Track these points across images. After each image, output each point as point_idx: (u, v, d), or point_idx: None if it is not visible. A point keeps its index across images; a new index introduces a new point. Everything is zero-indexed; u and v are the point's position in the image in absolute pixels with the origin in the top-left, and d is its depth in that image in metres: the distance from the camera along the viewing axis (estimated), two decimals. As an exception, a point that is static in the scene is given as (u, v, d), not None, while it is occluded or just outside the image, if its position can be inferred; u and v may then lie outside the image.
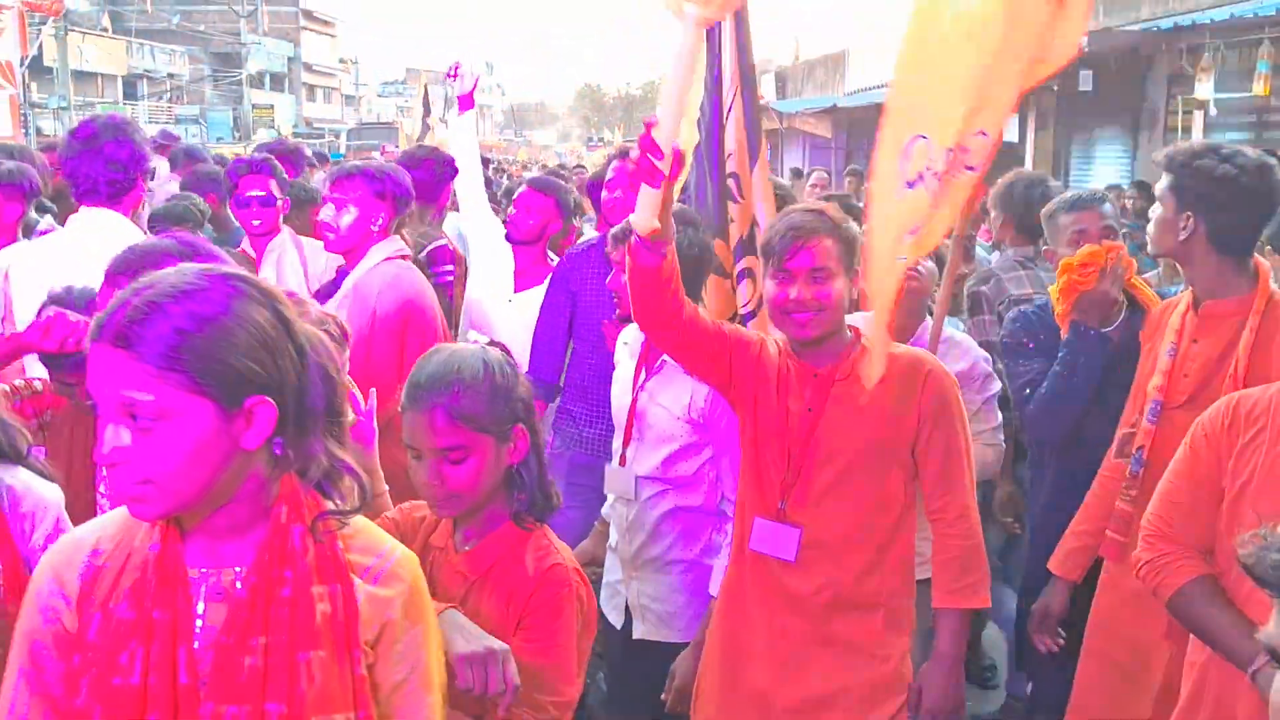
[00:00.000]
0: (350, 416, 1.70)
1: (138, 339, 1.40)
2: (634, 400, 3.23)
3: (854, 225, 2.74)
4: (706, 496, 3.15)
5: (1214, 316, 2.94)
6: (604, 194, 4.59)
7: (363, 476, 1.62)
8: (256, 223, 4.62)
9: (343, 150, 36.80)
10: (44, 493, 2.17)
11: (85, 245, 3.32)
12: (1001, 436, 3.84)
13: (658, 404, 3.18)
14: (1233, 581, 2.24)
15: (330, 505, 1.59)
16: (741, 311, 3.62)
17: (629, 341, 3.39)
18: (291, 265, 4.64)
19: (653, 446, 3.18)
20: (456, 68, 5.12)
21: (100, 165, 3.44)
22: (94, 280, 3.08)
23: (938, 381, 2.68)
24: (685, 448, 3.12)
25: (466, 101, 5.14)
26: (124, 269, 2.29)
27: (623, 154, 4.54)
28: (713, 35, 3.53)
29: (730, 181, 3.65)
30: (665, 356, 3.21)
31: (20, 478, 2.16)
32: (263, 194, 4.59)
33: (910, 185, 2.60)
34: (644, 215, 2.33)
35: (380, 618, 1.58)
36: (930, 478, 2.70)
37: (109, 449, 1.43)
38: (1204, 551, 2.35)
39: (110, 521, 1.63)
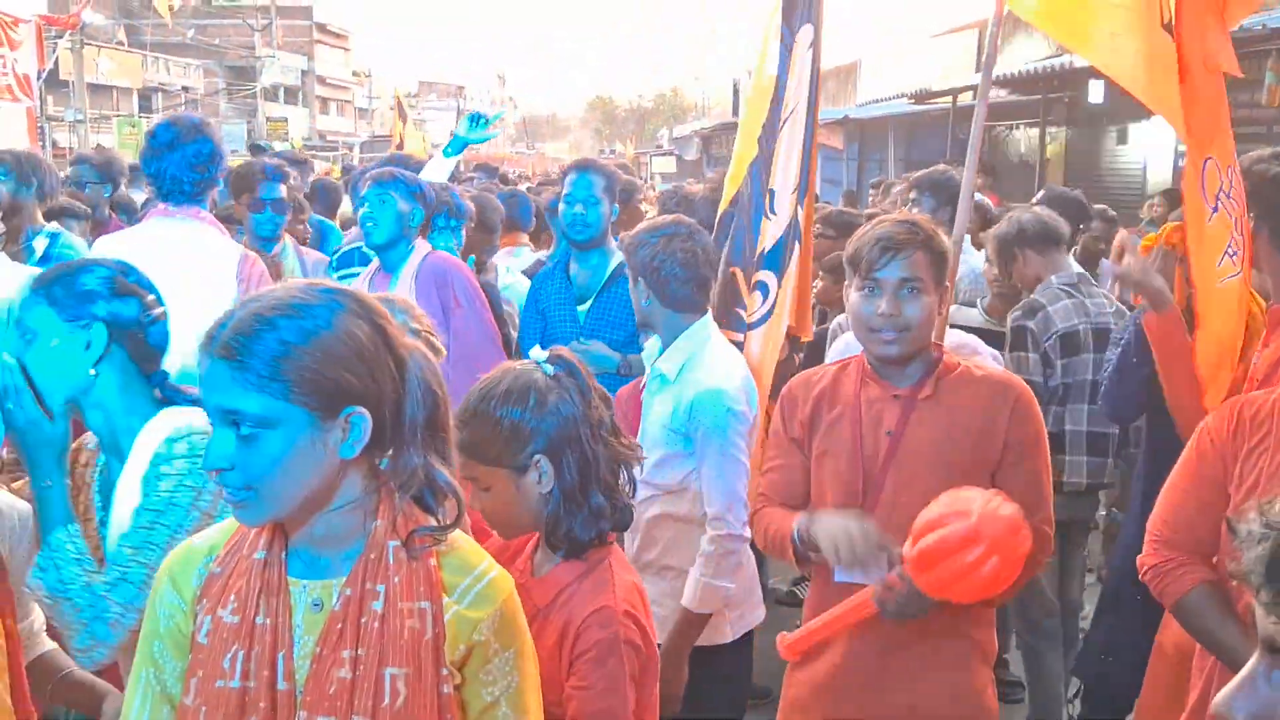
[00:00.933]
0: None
1: (244, 351, 1.48)
2: (636, 407, 3.31)
3: (945, 239, 2.66)
4: (692, 505, 3.16)
5: (1279, 320, 2.92)
6: (562, 207, 4.43)
7: (461, 493, 1.64)
8: (270, 227, 4.74)
9: (355, 162, 37.04)
10: (20, 507, 2.24)
11: (170, 239, 3.48)
12: None
13: (655, 410, 3.24)
14: (1238, 586, 2.25)
15: (428, 522, 1.62)
16: (750, 320, 3.66)
17: (649, 351, 3.45)
18: (293, 272, 4.77)
19: (648, 452, 3.20)
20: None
21: (184, 165, 3.53)
22: (179, 274, 3.17)
23: (1026, 405, 2.59)
24: (670, 456, 3.15)
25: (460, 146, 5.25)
26: None
27: (580, 167, 4.48)
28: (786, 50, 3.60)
29: (766, 198, 3.70)
30: (657, 364, 3.29)
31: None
32: (278, 199, 4.76)
33: (1215, 210, 2.73)
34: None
35: (468, 639, 1.60)
36: (1016, 483, 2.55)
37: (215, 456, 1.51)
38: (1209, 556, 2.34)
39: (224, 530, 1.70)
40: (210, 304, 3.37)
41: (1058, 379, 4.10)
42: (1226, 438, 2.31)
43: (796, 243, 3.67)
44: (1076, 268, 4.49)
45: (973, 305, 4.80)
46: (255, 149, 9.38)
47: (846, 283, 2.66)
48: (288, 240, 4.91)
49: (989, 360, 3.66)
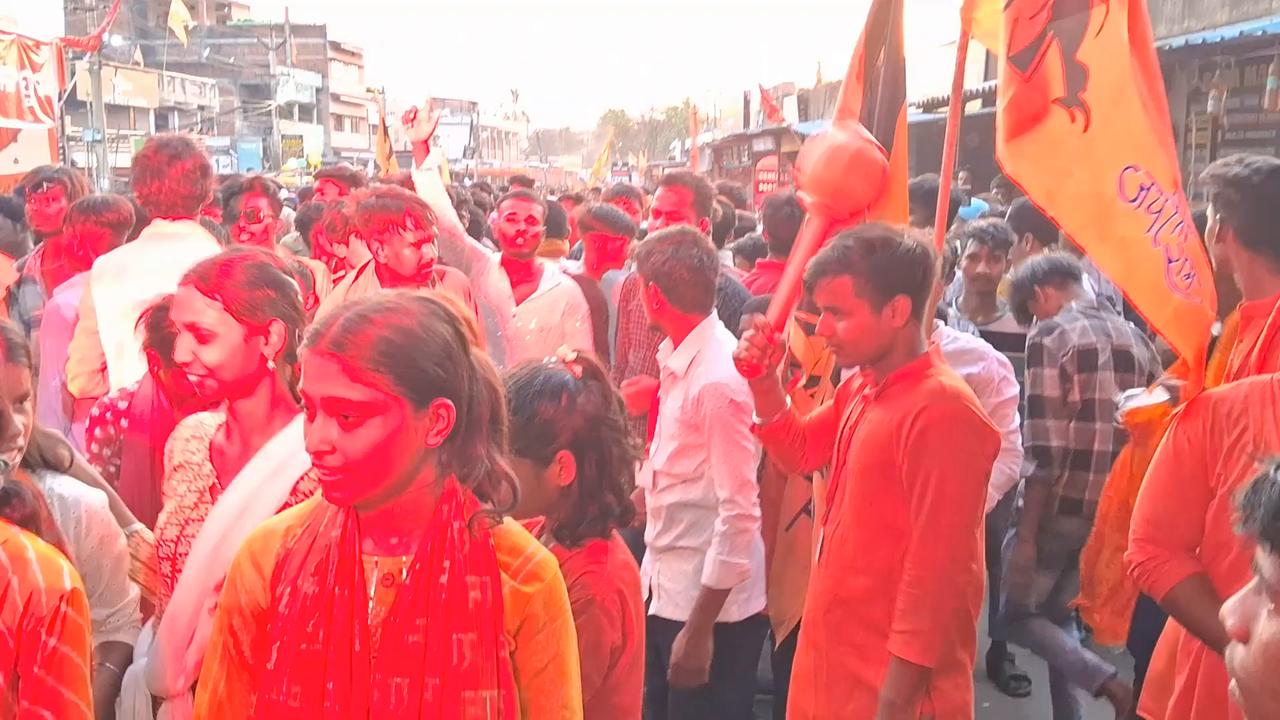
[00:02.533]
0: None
1: (350, 344, 1.66)
2: (656, 402, 3.61)
3: (899, 249, 2.70)
4: (705, 492, 3.38)
5: (1250, 316, 2.96)
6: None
7: (515, 481, 1.81)
8: (245, 237, 4.91)
9: (371, 179, 37.21)
10: (91, 499, 2.36)
11: (171, 250, 3.54)
12: (1019, 441, 3.90)
13: (668, 405, 3.51)
14: (1221, 575, 2.32)
15: (486, 506, 1.79)
16: None
17: (661, 349, 3.65)
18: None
19: (664, 444, 3.48)
20: (414, 112, 4.79)
21: (177, 184, 3.67)
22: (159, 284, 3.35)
23: (932, 416, 2.62)
24: (684, 446, 3.40)
25: (422, 148, 4.79)
26: None
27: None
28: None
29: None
30: (669, 362, 3.53)
31: (68, 486, 2.34)
32: (258, 209, 5.04)
33: (1133, 201, 2.79)
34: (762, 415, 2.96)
35: (521, 612, 1.77)
36: (911, 511, 2.65)
37: (317, 440, 1.68)
38: (1192, 548, 2.42)
39: (300, 512, 1.88)
40: None
41: (1076, 395, 4.18)
42: (1203, 435, 2.37)
43: None
44: (1091, 292, 4.58)
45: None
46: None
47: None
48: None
49: (993, 366, 3.74)
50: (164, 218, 3.69)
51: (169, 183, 3.65)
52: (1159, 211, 2.86)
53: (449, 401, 1.71)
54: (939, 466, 2.60)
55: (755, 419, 3.02)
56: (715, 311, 3.59)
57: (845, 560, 2.78)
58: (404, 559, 1.75)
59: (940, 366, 2.78)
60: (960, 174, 12.87)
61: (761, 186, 27.91)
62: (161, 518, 2.39)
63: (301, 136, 52.01)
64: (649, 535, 3.54)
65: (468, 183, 23.11)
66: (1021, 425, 4.01)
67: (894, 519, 2.68)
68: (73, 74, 28.87)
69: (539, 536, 2.27)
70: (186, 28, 33.91)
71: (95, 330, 3.59)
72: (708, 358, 3.42)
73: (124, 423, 2.89)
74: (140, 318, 2.78)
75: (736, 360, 2.84)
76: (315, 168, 42.69)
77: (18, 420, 2.07)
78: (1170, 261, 2.85)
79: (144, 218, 4.03)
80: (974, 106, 14.10)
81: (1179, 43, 9.53)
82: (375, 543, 1.77)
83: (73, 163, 33.54)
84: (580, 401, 2.19)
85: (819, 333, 2.81)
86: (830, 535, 2.85)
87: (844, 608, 2.78)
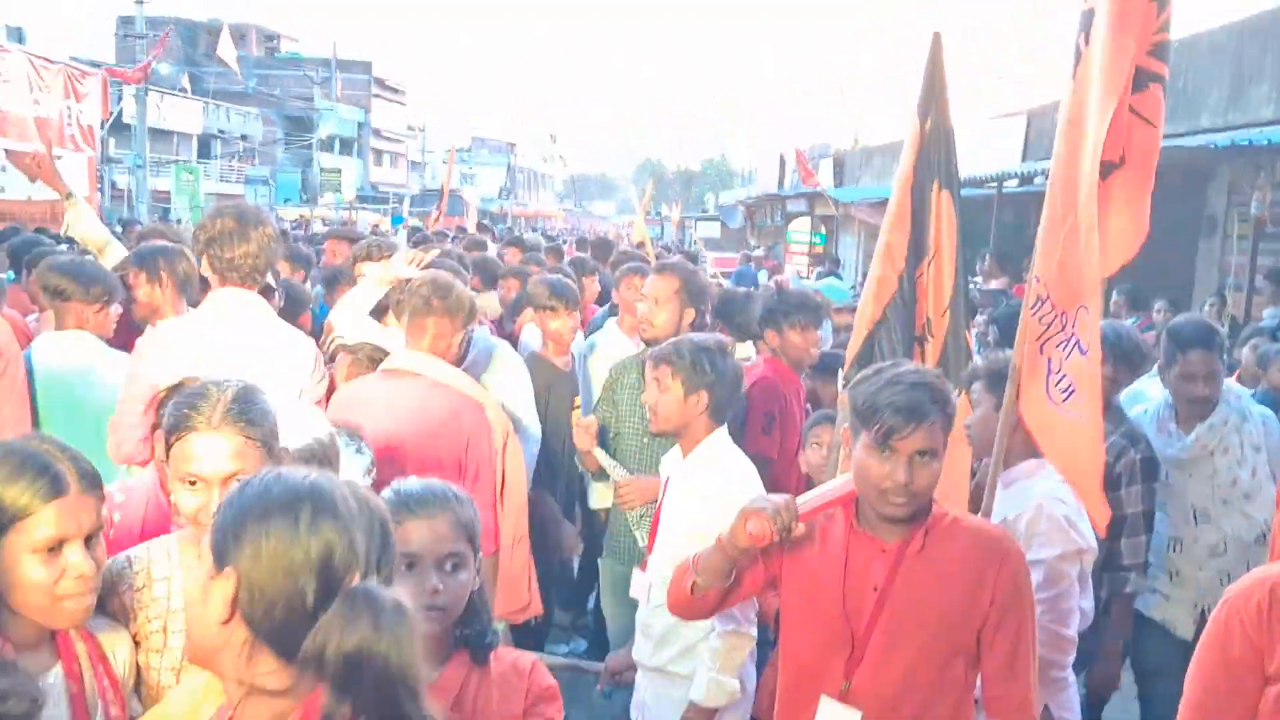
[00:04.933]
0: None
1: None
2: (657, 511, 3.47)
3: (950, 391, 2.61)
4: None
5: None
6: None
7: None
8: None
9: (405, 215, 37.60)
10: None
11: (228, 321, 3.55)
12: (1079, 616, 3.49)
13: (672, 516, 3.38)
14: None
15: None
16: None
17: (665, 463, 3.56)
18: None
19: (666, 556, 3.31)
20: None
21: (250, 254, 3.59)
22: (238, 353, 3.32)
23: (1015, 564, 2.51)
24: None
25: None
26: None
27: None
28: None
29: (925, 324, 3.75)
30: (678, 472, 3.43)
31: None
32: None
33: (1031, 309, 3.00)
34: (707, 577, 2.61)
35: None
36: (993, 664, 2.51)
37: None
38: None
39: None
40: (284, 375, 3.47)
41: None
42: (1255, 617, 2.23)
43: (968, 361, 3.78)
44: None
45: None
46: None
47: (849, 425, 2.59)
48: None
49: (1054, 483, 3.36)
50: (240, 285, 3.62)
51: (253, 246, 3.58)
52: (1048, 325, 3.06)
53: None
54: (1023, 613, 2.50)
55: (697, 577, 2.64)
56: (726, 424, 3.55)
57: None
58: None
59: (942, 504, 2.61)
60: (985, 255, 12.81)
61: (793, 246, 27.84)
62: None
63: (339, 170, 52.55)
64: (639, 652, 3.41)
65: (497, 227, 23.34)
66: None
67: (950, 675, 2.51)
68: (119, 99, 29.35)
69: None
70: (238, 59, 34.49)
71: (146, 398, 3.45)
72: (722, 468, 3.37)
73: (116, 516, 2.80)
74: (152, 400, 2.69)
75: (751, 533, 2.50)
76: (351, 201, 43.36)
77: (85, 563, 1.93)
78: (1050, 374, 3.03)
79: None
80: (1011, 185, 14.03)
81: (1224, 142, 9.45)
82: None
83: (113, 184, 34.04)
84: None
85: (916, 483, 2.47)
86: (871, 707, 2.53)
87: None
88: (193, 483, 2.24)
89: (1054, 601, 3.14)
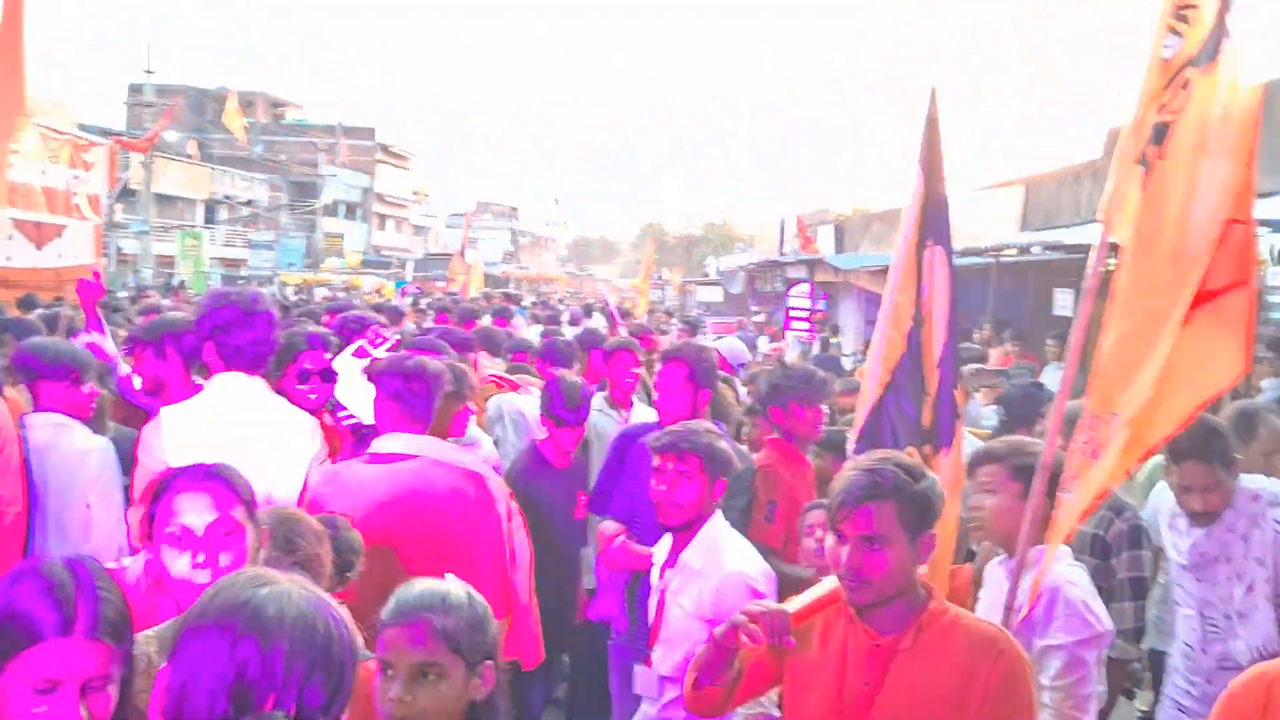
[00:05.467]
0: None
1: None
2: (660, 603, 3.37)
3: (928, 481, 2.54)
4: None
5: None
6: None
7: None
8: (313, 397, 4.34)
9: (408, 278, 37.78)
10: None
11: (231, 408, 3.55)
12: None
13: (677, 604, 3.31)
14: None
15: None
16: None
17: (658, 553, 3.54)
18: None
19: (673, 646, 3.28)
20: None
21: (250, 341, 3.61)
22: (240, 440, 3.33)
23: (1008, 664, 2.46)
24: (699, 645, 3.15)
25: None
26: None
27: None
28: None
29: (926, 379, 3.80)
30: (682, 556, 3.34)
31: None
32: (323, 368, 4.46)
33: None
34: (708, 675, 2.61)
35: None
36: None
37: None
38: None
39: None
40: (289, 462, 3.46)
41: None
42: (1254, 714, 2.20)
43: (956, 420, 3.79)
44: None
45: None
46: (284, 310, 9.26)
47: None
48: None
49: (1066, 566, 3.30)
50: (247, 371, 3.63)
51: (259, 333, 3.62)
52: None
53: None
54: (1018, 700, 2.46)
55: (698, 675, 2.65)
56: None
57: None
58: None
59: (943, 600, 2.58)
60: (985, 324, 12.85)
61: (792, 312, 27.95)
62: None
63: (342, 235, 52.89)
64: None
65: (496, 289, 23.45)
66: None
67: None
68: (126, 166, 29.64)
69: None
70: (245, 127, 34.93)
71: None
72: (727, 550, 3.35)
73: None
74: (145, 493, 2.69)
75: (744, 643, 2.52)
76: (354, 266, 43.57)
77: (72, 713, 1.79)
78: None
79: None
80: (1010, 254, 14.09)
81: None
82: None
83: (119, 249, 34.25)
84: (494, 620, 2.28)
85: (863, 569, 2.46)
86: None
87: None
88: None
89: (1073, 688, 3.07)
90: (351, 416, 4.38)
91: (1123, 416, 2.77)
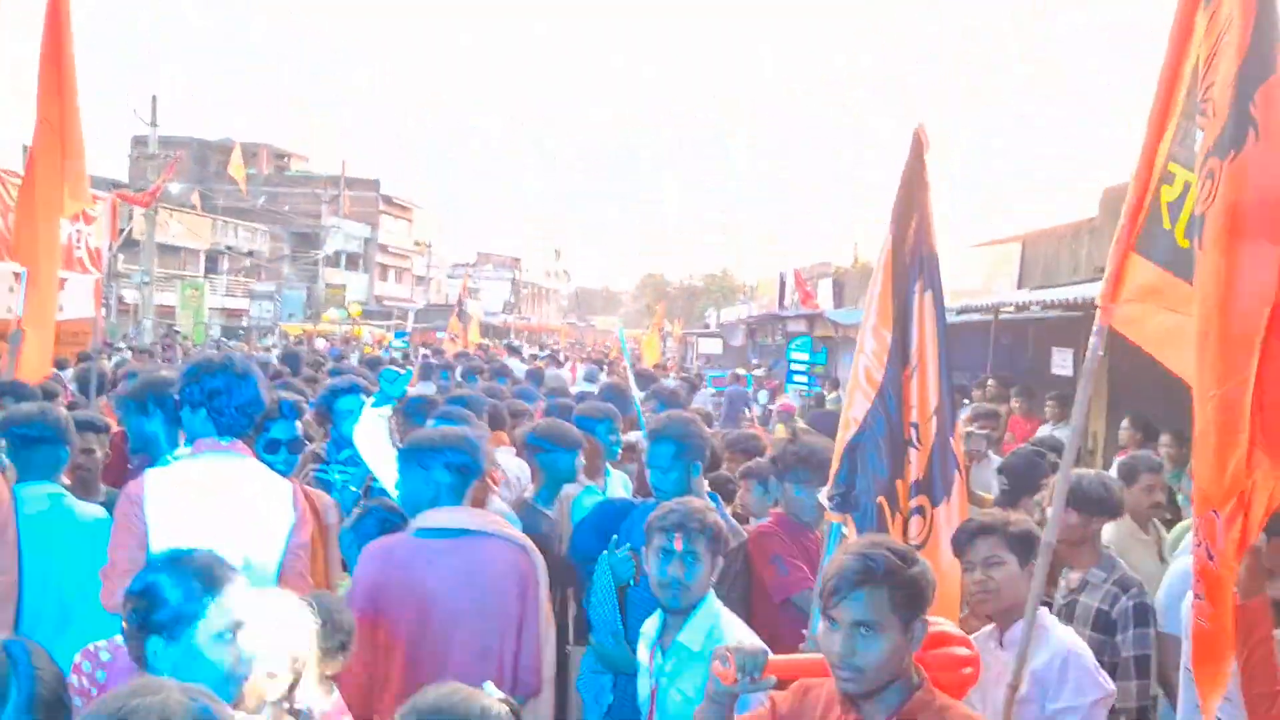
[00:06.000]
0: None
1: None
2: (654, 689, 3.30)
3: (920, 566, 2.48)
4: None
5: None
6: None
7: None
8: (282, 469, 4.25)
9: (409, 329, 37.86)
10: None
11: (213, 473, 3.54)
12: None
13: (676, 689, 3.23)
14: None
15: None
16: (914, 543, 3.72)
17: (646, 632, 3.47)
18: None
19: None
20: None
21: (237, 406, 3.60)
22: (223, 509, 3.37)
23: None
24: None
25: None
26: None
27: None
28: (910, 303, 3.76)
29: (911, 430, 3.82)
30: (679, 639, 3.28)
31: None
32: (295, 438, 4.51)
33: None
34: None
35: None
36: None
37: None
38: None
39: None
40: (269, 531, 3.45)
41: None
42: None
43: (956, 471, 3.81)
44: None
45: None
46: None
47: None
48: None
49: (1056, 636, 3.33)
50: (239, 434, 3.64)
51: (251, 394, 3.62)
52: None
53: None
54: None
55: None
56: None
57: None
58: None
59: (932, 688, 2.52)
60: (988, 381, 12.82)
61: (793, 365, 27.98)
62: None
63: (344, 285, 53.08)
64: None
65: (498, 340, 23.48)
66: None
67: None
68: (130, 216, 29.80)
69: None
70: (247, 176, 35.17)
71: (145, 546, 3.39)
72: (725, 625, 3.33)
73: (101, 675, 2.76)
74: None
75: (716, 672, 2.55)
76: (355, 317, 43.72)
77: None
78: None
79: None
80: (1008, 311, 14.12)
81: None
82: None
83: (120, 298, 34.35)
84: None
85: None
86: None
87: None
88: None
89: None
90: None
91: (1223, 514, 2.67)
